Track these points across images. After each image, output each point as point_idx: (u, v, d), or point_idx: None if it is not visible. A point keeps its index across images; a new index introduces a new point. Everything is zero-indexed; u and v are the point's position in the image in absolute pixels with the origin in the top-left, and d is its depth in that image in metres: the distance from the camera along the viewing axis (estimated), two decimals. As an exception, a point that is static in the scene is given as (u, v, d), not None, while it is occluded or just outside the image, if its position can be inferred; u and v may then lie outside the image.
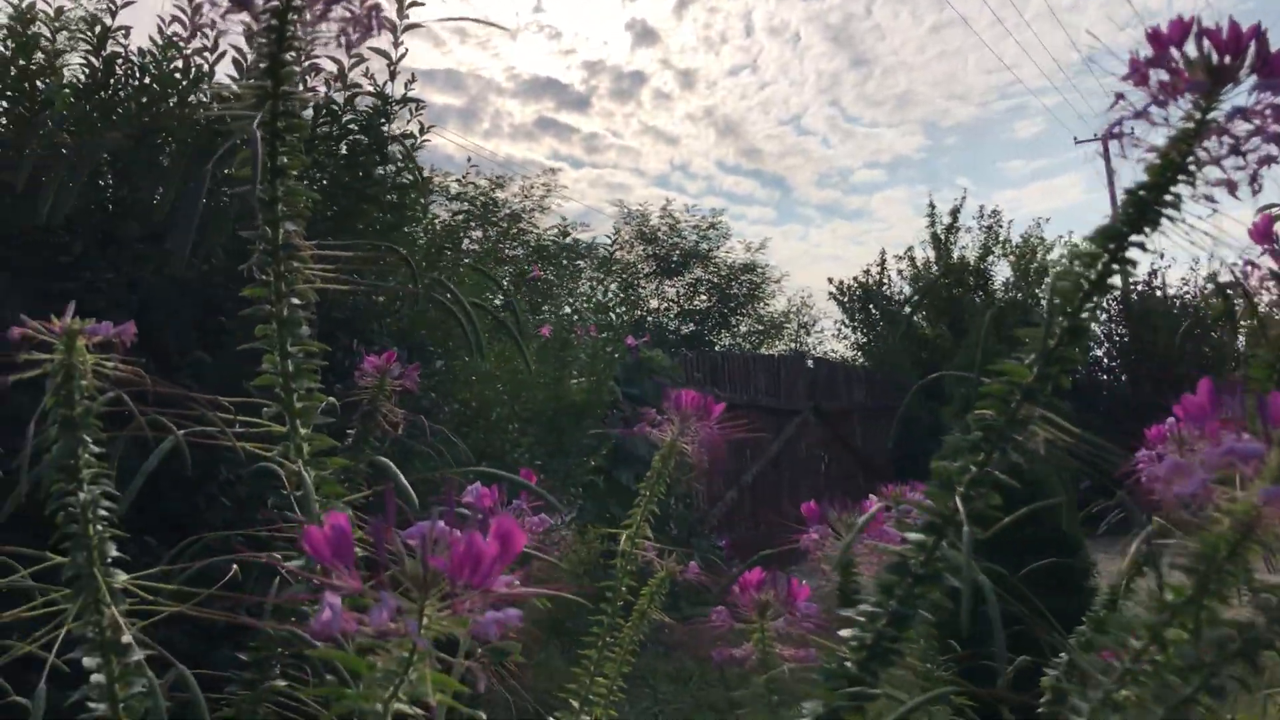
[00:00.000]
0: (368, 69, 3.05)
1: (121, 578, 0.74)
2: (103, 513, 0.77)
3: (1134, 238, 0.82)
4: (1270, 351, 1.05)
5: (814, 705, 0.82)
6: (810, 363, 13.04)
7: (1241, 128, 0.80)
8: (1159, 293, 14.51)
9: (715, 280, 21.61)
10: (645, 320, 22.39)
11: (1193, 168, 0.80)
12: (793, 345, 22.39)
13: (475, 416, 3.88)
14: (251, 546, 0.77)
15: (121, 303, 2.33)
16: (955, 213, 16.54)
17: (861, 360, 16.59)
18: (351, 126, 3.09)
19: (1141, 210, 0.81)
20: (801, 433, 11.40)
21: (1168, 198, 0.81)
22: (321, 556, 0.60)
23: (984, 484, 0.82)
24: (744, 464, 9.81)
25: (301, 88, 0.83)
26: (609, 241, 22.43)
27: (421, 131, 3.14)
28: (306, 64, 2.87)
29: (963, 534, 0.79)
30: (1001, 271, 16.33)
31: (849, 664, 0.82)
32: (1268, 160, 0.79)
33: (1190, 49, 0.80)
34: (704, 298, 22.08)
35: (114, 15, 2.53)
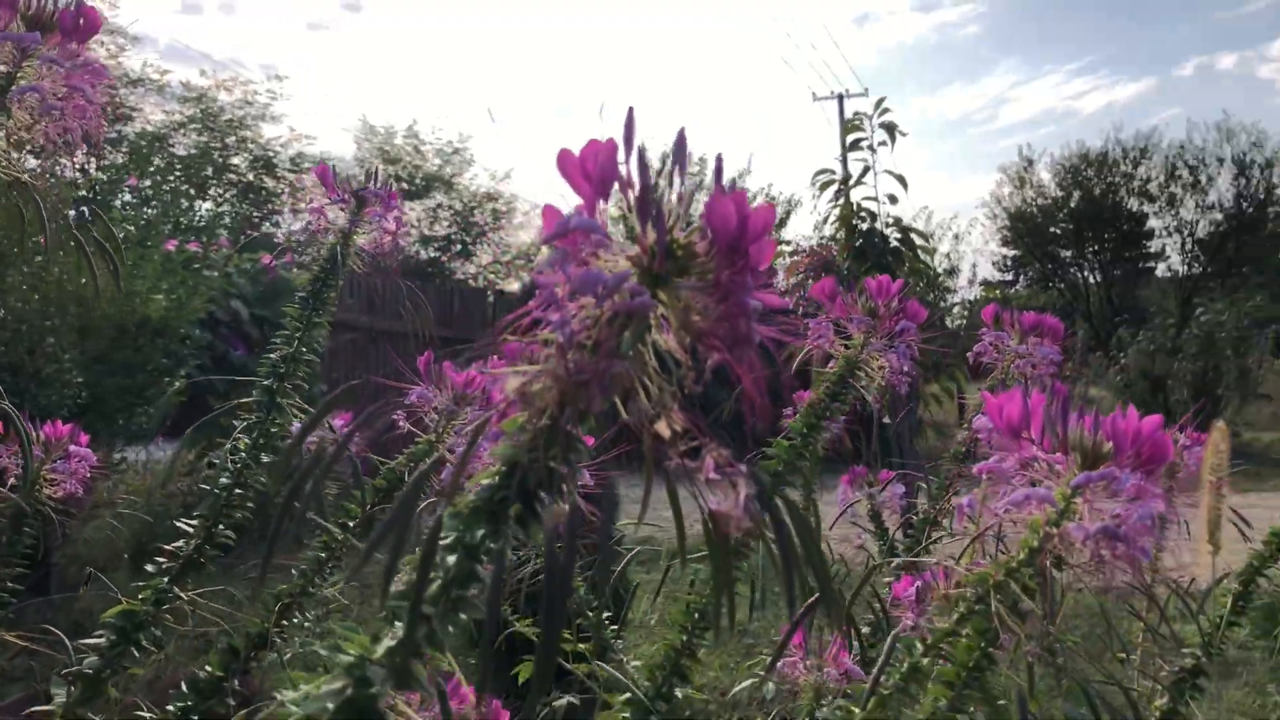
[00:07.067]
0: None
1: None
2: None
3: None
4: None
5: None
6: (491, 295, 13.68)
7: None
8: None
9: (457, 207, 21.56)
10: (384, 241, 22.23)
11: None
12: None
13: (-1, 328, 4.20)
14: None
15: None
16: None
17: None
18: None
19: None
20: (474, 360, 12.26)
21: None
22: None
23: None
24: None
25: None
26: (348, 159, 21.97)
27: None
28: None
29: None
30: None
31: None
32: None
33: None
34: (445, 224, 22.05)
35: None
